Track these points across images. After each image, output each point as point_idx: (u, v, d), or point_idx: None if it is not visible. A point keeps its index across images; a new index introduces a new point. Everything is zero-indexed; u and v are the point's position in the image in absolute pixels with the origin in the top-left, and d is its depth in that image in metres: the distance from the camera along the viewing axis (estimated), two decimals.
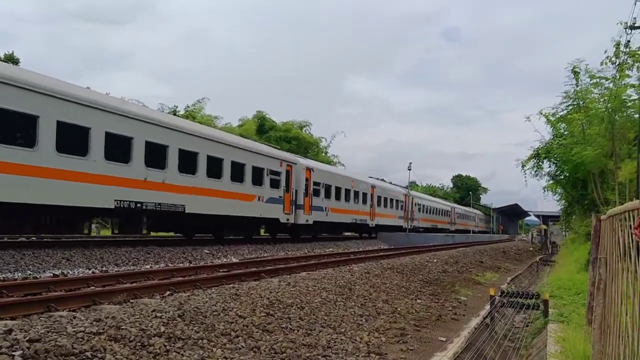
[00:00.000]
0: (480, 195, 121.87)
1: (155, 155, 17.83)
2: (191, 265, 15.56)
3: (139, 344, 6.33)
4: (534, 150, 32.32)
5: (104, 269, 13.83)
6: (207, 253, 18.58)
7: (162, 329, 6.83)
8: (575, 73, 26.10)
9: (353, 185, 35.22)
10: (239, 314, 8.28)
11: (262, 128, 50.25)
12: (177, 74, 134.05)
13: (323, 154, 56.70)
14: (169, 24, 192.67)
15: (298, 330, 8.43)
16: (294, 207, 26.93)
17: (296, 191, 27.36)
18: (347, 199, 34.24)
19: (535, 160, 32.47)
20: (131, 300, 8.75)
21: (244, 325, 7.85)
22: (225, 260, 17.84)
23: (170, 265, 15.46)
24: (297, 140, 51.36)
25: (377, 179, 44.51)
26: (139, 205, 16.99)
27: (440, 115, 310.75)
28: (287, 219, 26.42)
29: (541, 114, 29.61)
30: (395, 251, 26.79)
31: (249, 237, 25.56)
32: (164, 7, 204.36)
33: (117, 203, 16.20)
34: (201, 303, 8.29)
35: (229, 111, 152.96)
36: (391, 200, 43.74)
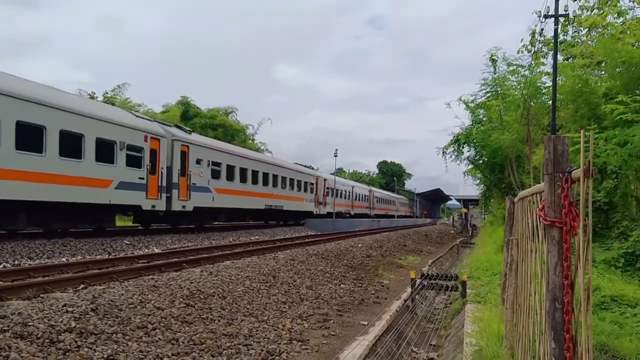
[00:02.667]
0: (405, 181, 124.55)
1: None
2: (110, 257, 15.02)
3: (48, 340, 6.03)
4: (454, 136, 33.22)
5: (16, 262, 13.12)
6: (127, 244, 17.99)
7: (73, 324, 6.53)
8: (493, 61, 26.94)
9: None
10: (157, 305, 8.03)
11: (187, 114, 49.09)
12: (97, 60, 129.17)
13: (250, 141, 56.10)
14: (88, 8, 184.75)
15: (219, 320, 8.27)
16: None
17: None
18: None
19: (455, 146, 33.37)
20: (41, 295, 8.37)
21: (162, 317, 7.62)
22: (146, 250, 17.33)
23: (87, 257, 14.86)
24: (223, 128, 50.49)
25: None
26: None
27: (368, 102, 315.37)
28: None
29: (460, 100, 30.47)
30: (322, 237, 26.94)
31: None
32: None
33: None
34: (117, 296, 7.99)
35: (153, 98, 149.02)
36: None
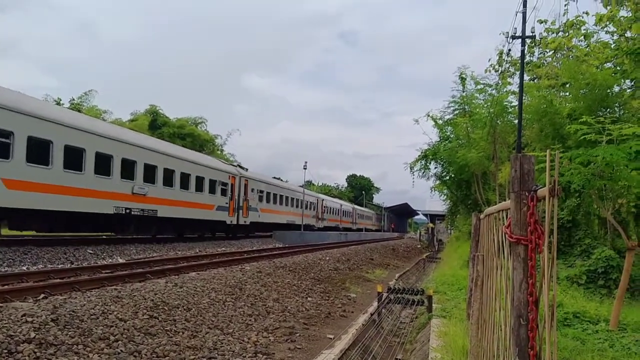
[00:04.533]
0: (373, 195, 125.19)
1: None
2: (72, 266, 14.70)
3: (5, 351, 5.87)
4: (421, 152, 33.52)
5: None
6: (90, 253, 17.65)
7: (33, 334, 6.36)
8: (462, 79, 27.34)
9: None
10: (120, 317, 7.87)
11: (155, 124, 48.61)
12: (65, 66, 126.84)
13: (219, 152, 55.77)
14: (58, 14, 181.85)
15: (183, 333, 8.16)
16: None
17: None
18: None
19: (423, 162, 33.65)
20: (0, 305, 8.09)
21: (124, 329, 7.47)
22: (110, 260, 17.02)
23: (49, 266, 14.52)
24: (191, 137, 50.16)
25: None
26: None
27: (338, 116, 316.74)
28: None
29: (429, 116, 30.78)
30: (289, 250, 26.84)
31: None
32: None
33: None
34: (78, 306, 7.81)
35: (121, 106, 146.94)
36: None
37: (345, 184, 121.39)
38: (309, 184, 72.16)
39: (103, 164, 19.89)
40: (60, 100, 42.61)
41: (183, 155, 26.88)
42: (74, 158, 18.24)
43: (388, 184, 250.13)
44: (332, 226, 63.11)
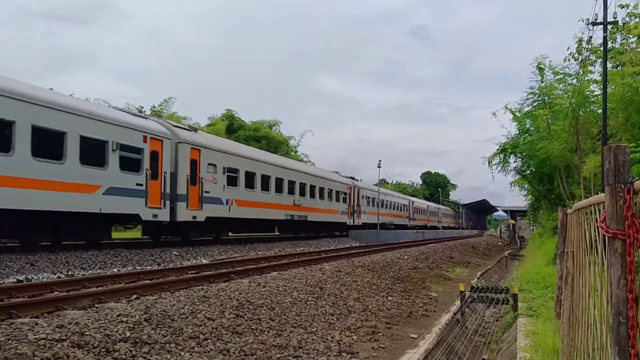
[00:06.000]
0: (450, 192, 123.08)
1: None
2: (159, 267, 15.31)
3: (104, 349, 6.17)
4: (500, 146, 32.63)
5: (69, 273, 13.52)
6: (176, 255, 18.32)
7: (128, 333, 6.67)
8: (540, 69, 26.39)
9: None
10: (208, 316, 8.14)
11: (231, 127, 49.88)
12: (143, 75, 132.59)
13: (293, 153, 56.57)
14: (133, 24, 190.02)
15: (268, 331, 8.33)
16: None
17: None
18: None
19: (501, 156, 32.75)
20: (96, 305, 8.56)
21: (212, 328, 7.72)
22: (194, 261, 17.61)
23: (138, 268, 15.19)
24: (266, 140, 51.14)
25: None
26: None
27: (409, 113, 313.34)
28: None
29: (507, 108, 29.91)
30: (366, 249, 26.83)
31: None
32: (127, 6, 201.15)
33: None
34: (169, 306, 8.13)
35: (198, 111, 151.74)
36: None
37: (420, 182, 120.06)
38: (383, 183, 71.93)
39: (279, 185, 29.69)
40: (142, 108, 44.51)
41: (321, 174, 37.44)
42: (265, 182, 27.82)
43: (464, 180, 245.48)
44: (420, 225, 68.78)
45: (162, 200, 19.48)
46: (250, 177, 26.07)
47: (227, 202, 23.94)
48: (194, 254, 19.12)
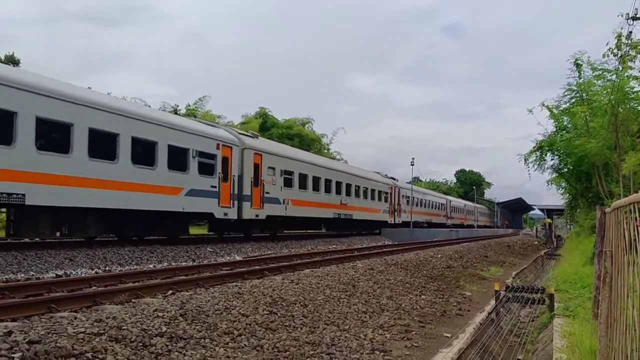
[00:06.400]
0: (484, 190, 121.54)
1: None
2: (194, 263, 15.53)
3: (140, 344, 6.27)
4: (536, 143, 32.09)
5: (107, 268, 13.83)
6: (210, 251, 18.56)
7: (164, 328, 6.77)
8: (578, 65, 25.86)
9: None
10: (242, 312, 8.22)
11: (265, 125, 50.21)
12: (178, 74, 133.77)
13: (325, 151, 56.64)
14: (167, 24, 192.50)
15: (301, 328, 8.37)
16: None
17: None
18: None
19: (538, 154, 32.21)
20: (133, 300, 8.71)
21: (246, 324, 7.79)
22: (228, 258, 17.82)
23: (173, 264, 15.44)
24: (299, 137, 51.31)
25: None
26: None
27: (443, 110, 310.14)
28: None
29: (543, 105, 29.39)
30: (399, 247, 26.74)
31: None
32: (162, 7, 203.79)
33: None
34: (203, 302, 8.24)
35: (232, 110, 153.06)
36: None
37: (454, 179, 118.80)
38: (416, 181, 71.45)
39: (328, 186, 31.72)
40: (178, 106, 45.16)
41: (364, 175, 38.93)
42: (316, 183, 30.02)
43: (500, 178, 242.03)
44: (457, 224, 69.92)
45: (231, 200, 21.95)
46: (303, 179, 28.52)
47: (283, 202, 26.21)
48: (227, 251, 19.34)
